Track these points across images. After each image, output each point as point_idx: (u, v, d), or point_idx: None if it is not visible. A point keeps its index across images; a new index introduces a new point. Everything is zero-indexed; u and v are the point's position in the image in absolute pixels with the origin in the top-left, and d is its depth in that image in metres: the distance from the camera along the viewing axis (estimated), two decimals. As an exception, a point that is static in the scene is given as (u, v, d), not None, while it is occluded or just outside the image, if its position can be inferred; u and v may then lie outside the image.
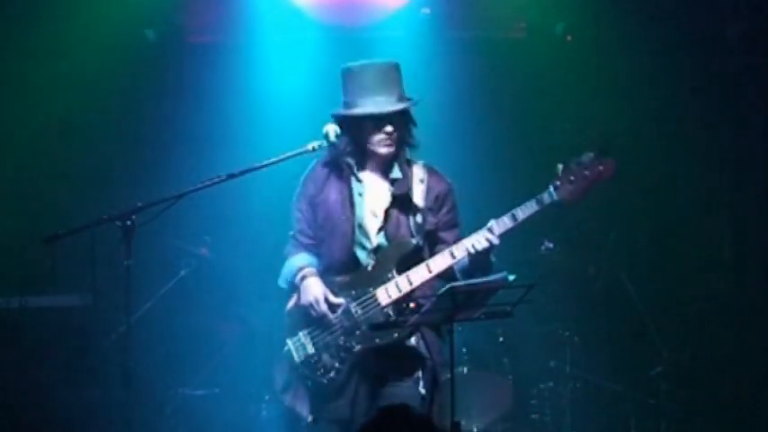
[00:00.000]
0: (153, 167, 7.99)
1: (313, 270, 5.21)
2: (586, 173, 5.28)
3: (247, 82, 7.96)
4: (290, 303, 5.26)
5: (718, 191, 8.26)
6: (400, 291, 5.16)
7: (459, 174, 7.86)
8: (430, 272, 5.17)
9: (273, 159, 5.17)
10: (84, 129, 8.05)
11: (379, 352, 5.12)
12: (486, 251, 5.16)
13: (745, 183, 8.17)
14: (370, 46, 8.27)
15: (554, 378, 7.79)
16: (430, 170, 5.34)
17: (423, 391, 5.17)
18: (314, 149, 5.16)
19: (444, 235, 5.31)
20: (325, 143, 5.15)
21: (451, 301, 4.97)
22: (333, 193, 5.25)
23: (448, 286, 4.94)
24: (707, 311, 8.19)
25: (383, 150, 5.21)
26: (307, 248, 5.30)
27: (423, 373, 5.20)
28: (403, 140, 5.27)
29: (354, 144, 5.23)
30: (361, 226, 5.20)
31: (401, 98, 5.24)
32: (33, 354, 7.48)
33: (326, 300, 5.15)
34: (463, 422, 6.82)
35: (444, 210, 5.32)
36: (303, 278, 5.18)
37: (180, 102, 8.19)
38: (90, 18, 7.88)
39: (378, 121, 5.17)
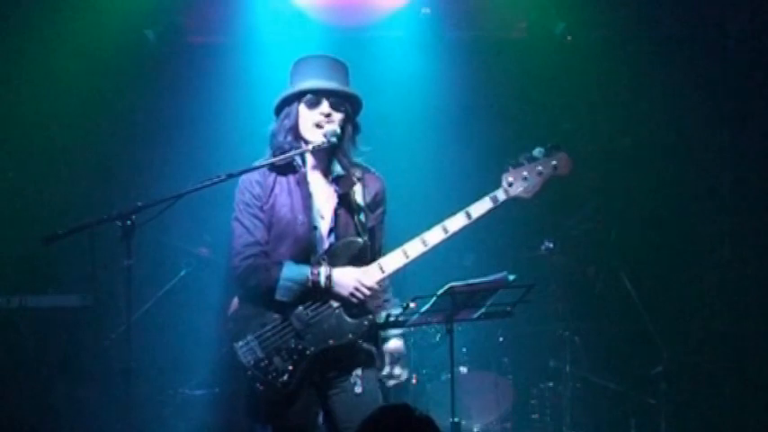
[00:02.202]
0: (153, 167, 7.99)
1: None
2: (540, 168, 5.25)
3: (247, 82, 7.96)
4: (233, 308, 5.14)
5: (718, 191, 8.27)
6: None
7: (459, 172, 7.95)
8: (382, 272, 5.11)
9: (273, 159, 5.16)
10: (83, 129, 8.05)
11: (330, 354, 5.06)
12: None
13: (745, 183, 8.17)
14: (370, 46, 8.29)
15: (554, 378, 7.79)
16: (363, 168, 5.27)
17: (358, 389, 5.08)
18: (314, 149, 5.13)
19: (378, 231, 5.29)
20: (326, 143, 5.12)
21: (451, 301, 4.97)
22: (280, 197, 5.14)
23: (448, 286, 4.94)
24: (707, 311, 8.19)
25: (316, 137, 5.07)
26: (267, 257, 5.12)
27: (363, 372, 5.11)
28: (342, 141, 5.16)
29: (293, 135, 5.13)
30: (315, 228, 5.14)
31: (343, 85, 5.16)
32: (33, 353, 7.49)
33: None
34: (463, 422, 6.86)
35: (380, 209, 5.29)
36: (329, 276, 5.02)
37: (180, 102, 8.20)
38: (90, 18, 7.87)
39: (315, 98, 5.10)
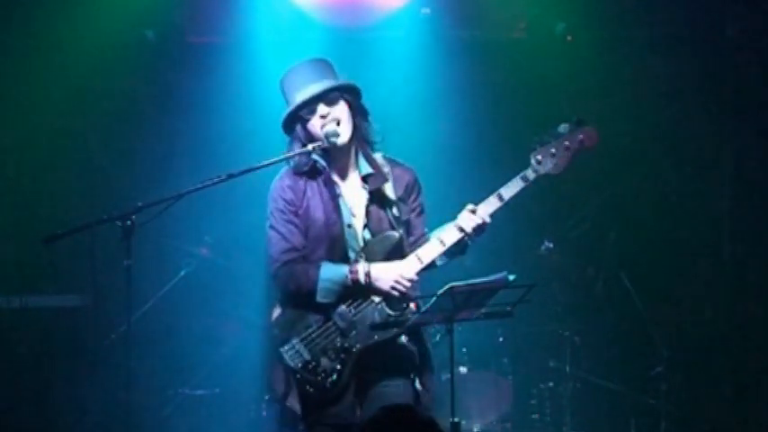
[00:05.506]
0: (153, 167, 7.99)
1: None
2: (567, 143, 5.21)
3: (247, 82, 7.96)
4: (276, 314, 5.14)
5: (719, 190, 8.27)
6: None
7: (459, 172, 7.95)
8: (421, 263, 5.09)
9: (273, 159, 5.16)
10: (84, 128, 8.05)
11: (374, 351, 5.06)
12: (473, 234, 5.10)
13: (744, 182, 8.17)
14: (370, 46, 8.29)
15: (554, 378, 7.80)
16: (391, 161, 5.26)
17: (419, 386, 5.13)
18: (314, 150, 5.12)
19: (416, 222, 5.26)
20: (325, 143, 5.11)
21: (451, 301, 4.97)
22: (312, 200, 5.12)
23: (447, 286, 4.92)
24: (707, 311, 8.20)
25: (329, 138, 5.05)
26: (304, 261, 5.10)
27: (414, 371, 5.15)
28: (356, 131, 5.14)
29: (308, 144, 5.12)
30: (350, 226, 5.13)
31: (330, 81, 5.13)
32: (33, 353, 7.49)
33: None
34: (463, 422, 6.86)
35: (413, 197, 5.26)
36: (368, 273, 5.01)
37: (179, 101, 8.20)
38: (90, 18, 7.88)
39: (310, 107, 5.08)
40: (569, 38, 8.39)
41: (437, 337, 7.40)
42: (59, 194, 7.93)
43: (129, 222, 4.89)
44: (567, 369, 7.76)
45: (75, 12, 7.86)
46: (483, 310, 5.12)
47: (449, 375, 5.15)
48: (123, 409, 5.02)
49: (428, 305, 4.97)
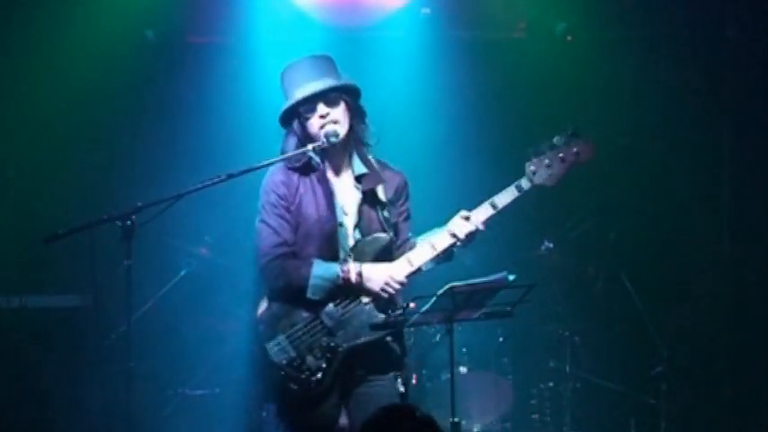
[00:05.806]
0: (153, 167, 7.99)
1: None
2: (561, 155, 5.18)
3: (247, 82, 7.96)
4: (261, 308, 5.16)
5: (719, 191, 8.27)
6: None
7: (459, 173, 7.96)
8: (411, 266, 5.09)
9: (273, 159, 5.17)
10: (83, 128, 8.05)
11: (360, 351, 5.06)
12: (465, 240, 5.10)
13: (745, 183, 8.17)
14: (370, 46, 8.30)
15: (554, 378, 7.80)
16: (382, 164, 5.26)
17: (401, 388, 5.13)
18: (314, 149, 5.12)
19: (402, 226, 5.27)
20: (325, 143, 5.12)
21: (451, 301, 4.97)
22: (305, 196, 5.13)
23: (448, 286, 4.93)
24: (706, 311, 8.20)
25: (328, 138, 5.06)
26: (294, 257, 5.11)
27: (399, 371, 5.16)
28: (351, 131, 5.15)
29: (304, 142, 5.13)
30: (341, 225, 5.14)
31: (332, 80, 5.13)
32: (33, 353, 7.49)
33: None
34: (463, 422, 6.86)
35: (402, 201, 5.27)
36: (359, 273, 5.02)
37: (179, 102, 8.20)
38: (90, 18, 7.88)
39: (309, 105, 5.08)
40: (569, 38, 8.39)
41: (437, 337, 7.41)
42: (59, 194, 7.93)
43: (129, 222, 4.89)
44: (567, 369, 7.76)
45: (75, 12, 7.86)
46: (483, 310, 5.12)
47: (449, 375, 5.16)
48: (123, 409, 5.02)
49: (428, 305, 4.98)
